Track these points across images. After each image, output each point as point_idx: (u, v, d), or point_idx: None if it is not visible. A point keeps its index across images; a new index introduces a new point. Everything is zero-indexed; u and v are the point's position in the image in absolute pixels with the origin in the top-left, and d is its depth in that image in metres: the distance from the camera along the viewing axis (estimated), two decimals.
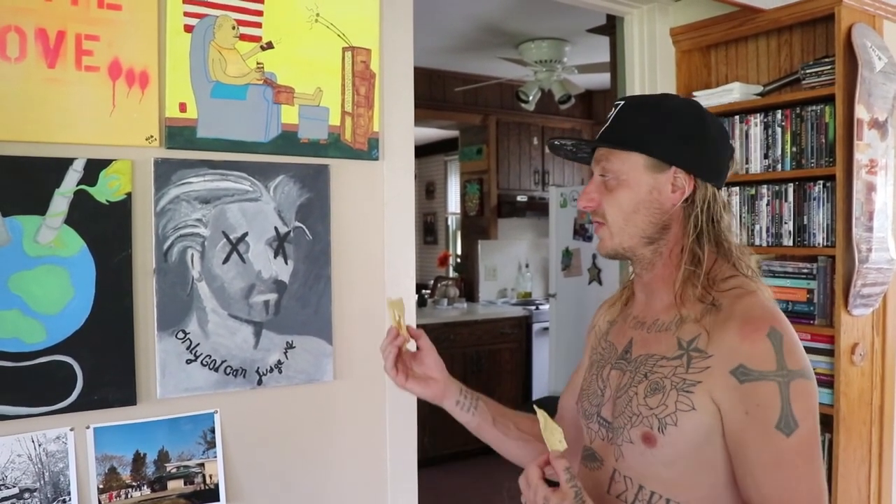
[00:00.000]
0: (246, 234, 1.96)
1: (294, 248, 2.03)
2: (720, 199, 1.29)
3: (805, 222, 2.74)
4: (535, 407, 1.27)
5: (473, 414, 1.54)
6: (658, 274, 1.31)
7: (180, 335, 1.88)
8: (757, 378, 1.12)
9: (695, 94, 2.98)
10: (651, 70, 3.10)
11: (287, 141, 2.01)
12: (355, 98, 2.11)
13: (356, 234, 2.14)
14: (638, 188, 1.26)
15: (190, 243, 1.89)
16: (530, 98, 5.70)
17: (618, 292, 1.47)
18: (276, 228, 2.00)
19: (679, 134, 1.27)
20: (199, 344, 1.91)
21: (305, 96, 2.04)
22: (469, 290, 6.72)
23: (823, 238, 2.69)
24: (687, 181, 1.26)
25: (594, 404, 1.35)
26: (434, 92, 6.23)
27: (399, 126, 2.21)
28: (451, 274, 7.03)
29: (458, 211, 7.14)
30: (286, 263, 2.02)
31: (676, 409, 1.17)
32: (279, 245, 2.01)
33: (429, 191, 9.17)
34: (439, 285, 6.43)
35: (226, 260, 1.93)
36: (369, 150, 2.14)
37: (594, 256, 4.26)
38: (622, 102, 1.32)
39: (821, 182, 2.69)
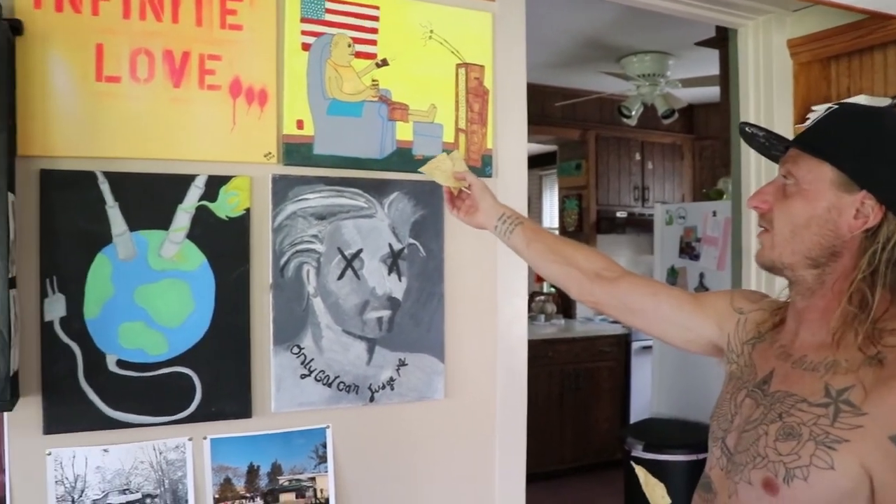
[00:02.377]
0: (360, 251, 1.96)
1: (408, 264, 2.02)
2: None
3: None
4: (633, 465, 1.19)
5: (508, 237, 1.62)
6: (815, 304, 1.15)
7: (295, 350, 1.89)
8: None
9: (814, 108, 2.85)
10: (767, 83, 2.98)
11: (402, 157, 2.01)
12: (469, 115, 2.09)
13: (469, 252, 2.12)
14: (816, 202, 1.12)
15: (306, 259, 1.91)
16: (633, 113, 5.59)
17: (769, 308, 1.31)
18: (390, 245, 2.00)
19: (884, 157, 1.10)
20: (313, 359, 1.91)
21: (420, 113, 2.03)
22: (566, 307, 6.63)
23: None
24: (875, 211, 1.09)
25: (722, 428, 1.24)
26: (533, 107, 6.15)
27: (512, 142, 2.19)
28: (547, 290, 6.95)
29: (556, 226, 7.07)
30: (400, 280, 2.01)
31: (811, 464, 1.03)
32: (393, 262, 2.00)
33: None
34: (536, 300, 6.37)
35: (340, 276, 1.94)
36: (483, 167, 2.12)
37: (701, 275, 4.12)
38: (834, 107, 1.19)
39: None
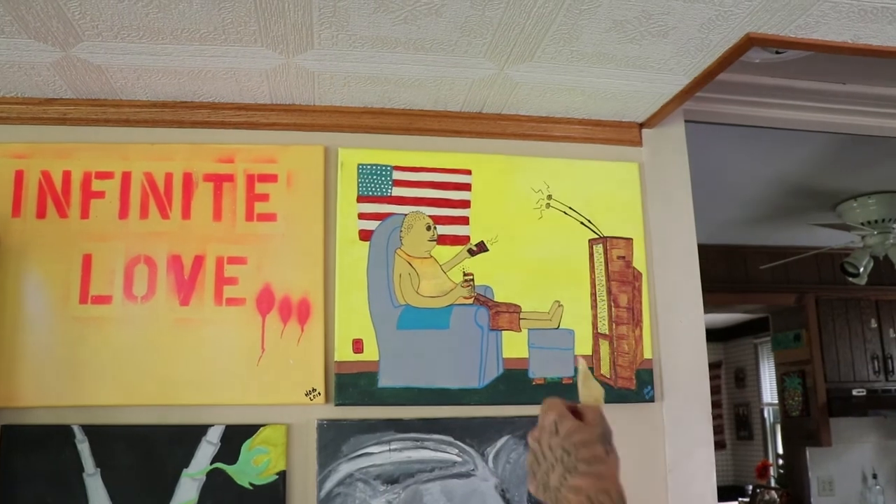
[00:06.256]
0: None
1: None
2: None
3: None
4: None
5: None
6: None
7: None
8: None
9: None
10: None
11: (512, 384, 1.42)
12: (613, 312, 1.44)
13: None
14: None
15: None
16: (861, 269, 4.64)
17: None
18: None
19: None
20: None
21: (537, 316, 1.42)
22: None
23: None
24: None
25: None
26: (734, 272, 5.39)
27: (685, 349, 1.49)
28: (774, 483, 5.82)
29: (774, 401, 6.05)
30: None
31: None
32: None
33: (738, 378, 8.07)
34: (758, 496, 5.30)
35: None
36: (639, 388, 1.43)
37: None
38: None
39: None
